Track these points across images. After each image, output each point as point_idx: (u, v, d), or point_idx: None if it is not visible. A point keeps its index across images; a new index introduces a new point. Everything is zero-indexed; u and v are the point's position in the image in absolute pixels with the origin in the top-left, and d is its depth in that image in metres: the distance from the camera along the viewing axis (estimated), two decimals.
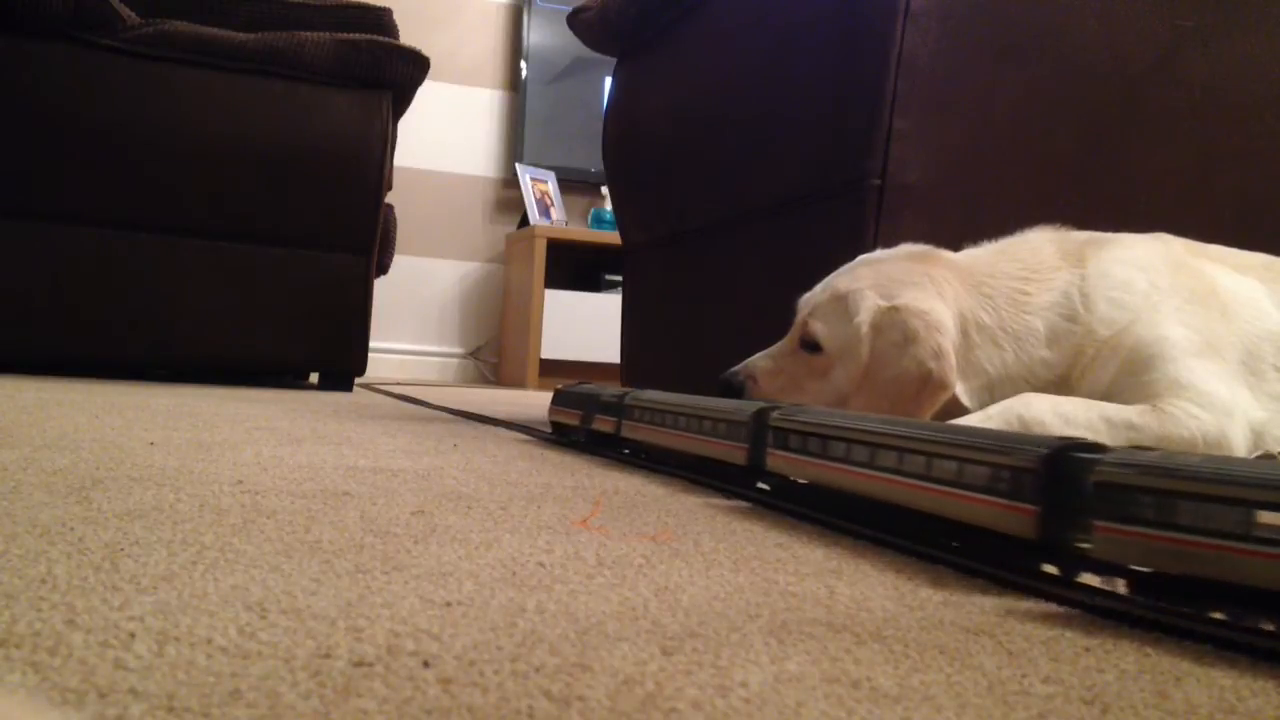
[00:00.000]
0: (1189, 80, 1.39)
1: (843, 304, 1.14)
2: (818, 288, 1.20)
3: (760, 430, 0.81)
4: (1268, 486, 0.43)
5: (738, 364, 1.23)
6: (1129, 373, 1.11)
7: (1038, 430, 1.03)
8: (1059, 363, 1.12)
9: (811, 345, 1.15)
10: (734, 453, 0.85)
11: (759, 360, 1.21)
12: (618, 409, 1.10)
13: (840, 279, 1.17)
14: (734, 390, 1.20)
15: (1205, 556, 0.45)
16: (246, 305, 2.41)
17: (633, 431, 1.06)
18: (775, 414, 0.80)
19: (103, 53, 2.25)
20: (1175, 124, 1.40)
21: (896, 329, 1.09)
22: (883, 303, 1.11)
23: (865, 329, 1.10)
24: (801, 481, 0.77)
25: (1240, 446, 1.08)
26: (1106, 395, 1.11)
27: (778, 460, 0.79)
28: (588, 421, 1.18)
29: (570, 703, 0.33)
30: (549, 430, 1.42)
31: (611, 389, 1.15)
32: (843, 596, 0.52)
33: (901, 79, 1.26)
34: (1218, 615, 0.46)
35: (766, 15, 1.54)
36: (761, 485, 0.83)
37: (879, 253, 1.20)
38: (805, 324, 1.16)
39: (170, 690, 0.32)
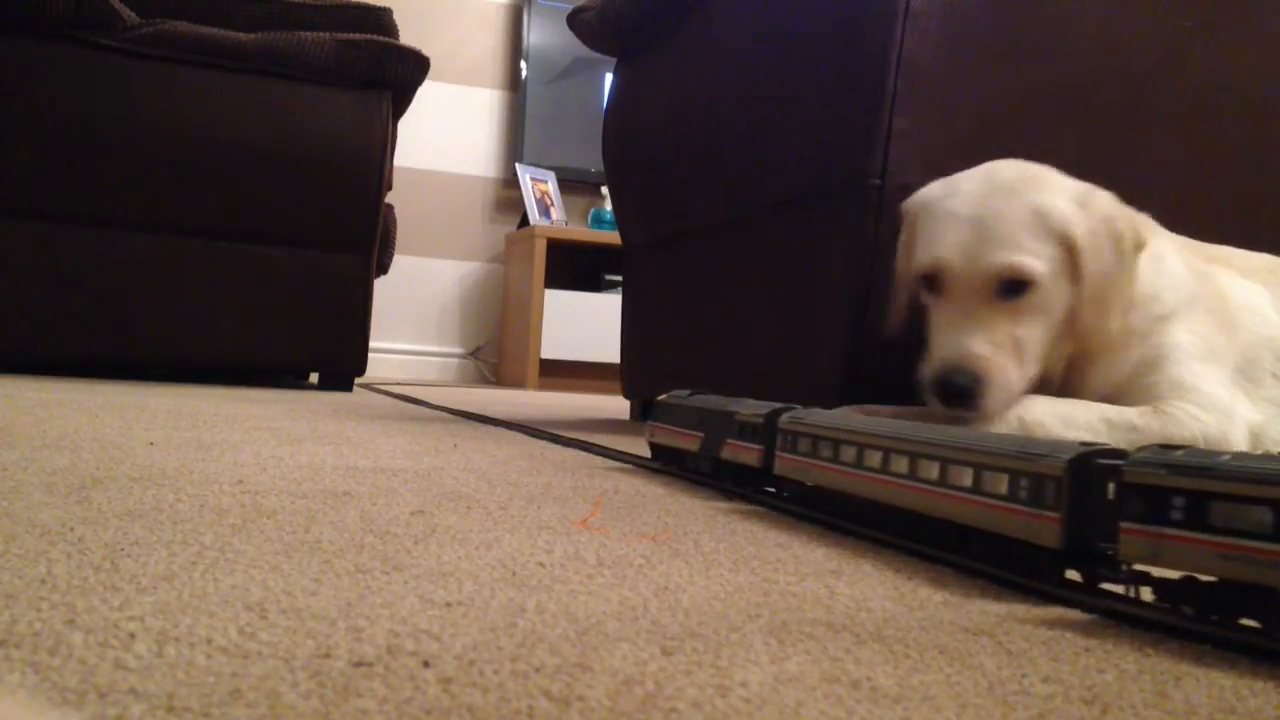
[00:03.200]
0: (1190, 80, 1.39)
1: (1044, 221, 1.03)
2: (972, 223, 1.04)
3: (1089, 487, 0.51)
4: None
5: (941, 362, 1.02)
6: (1135, 374, 1.11)
7: (1038, 433, 1.03)
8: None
9: (1017, 286, 1.02)
10: (1028, 524, 0.53)
11: (973, 344, 1.01)
12: (767, 433, 0.81)
13: (1016, 197, 1.04)
14: (965, 397, 1.01)
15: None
16: (246, 305, 2.41)
17: (796, 470, 0.76)
18: (1133, 461, 0.48)
19: (103, 53, 2.25)
20: (1176, 124, 1.40)
21: (1105, 225, 1.04)
22: (1077, 208, 1.04)
23: (1093, 238, 1.03)
24: (1206, 579, 0.46)
25: (1241, 448, 1.09)
26: (1112, 395, 1.11)
27: (1163, 544, 0.46)
28: (714, 448, 0.89)
29: (570, 703, 0.33)
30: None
31: (750, 403, 0.86)
32: (843, 596, 0.52)
33: (901, 79, 1.26)
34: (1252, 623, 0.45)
35: (767, 15, 1.54)
36: (1072, 577, 0.54)
37: (979, 171, 1.11)
38: (1009, 266, 1.01)
39: (170, 690, 0.32)
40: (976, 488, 0.57)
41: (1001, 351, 1.01)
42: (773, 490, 0.83)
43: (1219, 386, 1.10)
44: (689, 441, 0.94)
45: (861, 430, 0.69)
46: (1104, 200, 1.06)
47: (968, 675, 0.39)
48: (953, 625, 0.47)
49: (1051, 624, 0.48)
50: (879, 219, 1.28)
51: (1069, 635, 0.47)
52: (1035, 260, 1.02)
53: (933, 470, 0.60)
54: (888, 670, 0.39)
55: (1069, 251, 1.04)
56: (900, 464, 0.63)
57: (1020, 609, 0.51)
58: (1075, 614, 0.51)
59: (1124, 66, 1.36)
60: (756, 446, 0.82)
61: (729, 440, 0.87)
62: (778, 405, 0.82)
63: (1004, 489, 0.55)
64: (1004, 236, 1.02)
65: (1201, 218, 1.33)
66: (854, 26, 1.32)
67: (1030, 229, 1.03)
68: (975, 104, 1.31)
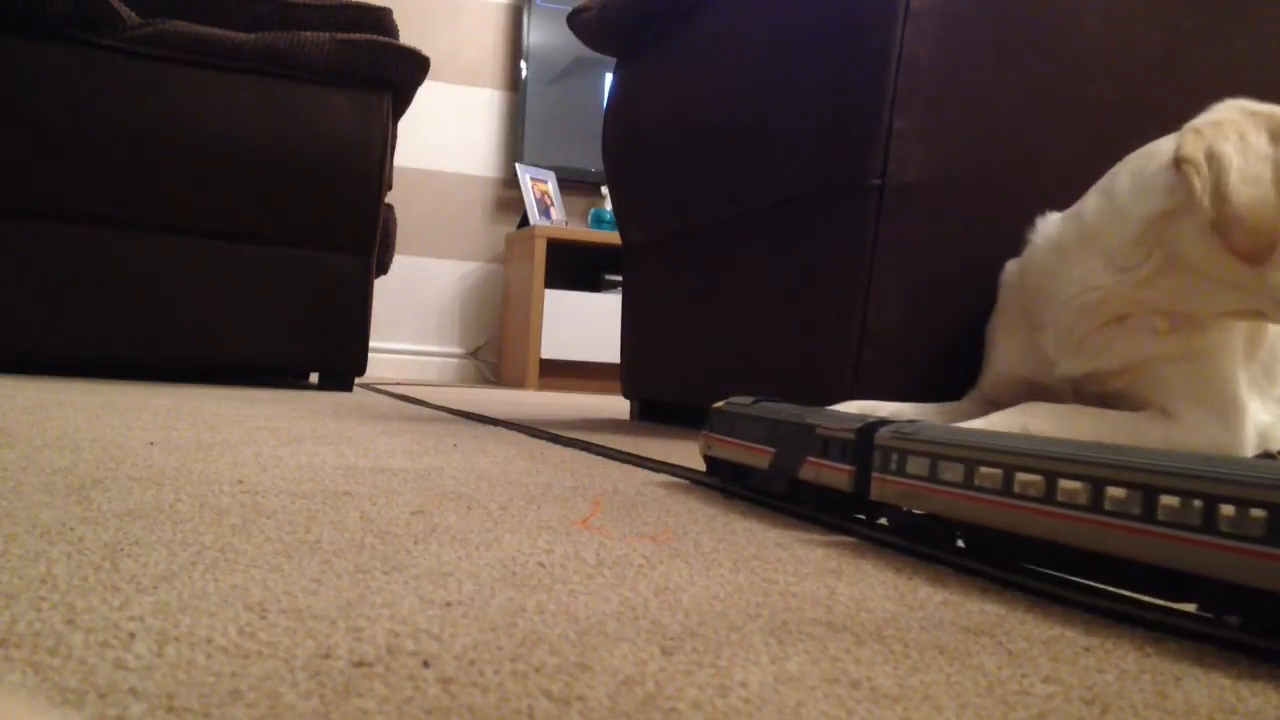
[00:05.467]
0: (1189, 80, 1.39)
1: None
2: None
3: None
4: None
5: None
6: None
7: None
8: None
9: None
10: None
11: None
12: (860, 451, 0.69)
13: None
14: None
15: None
16: (246, 305, 2.41)
17: (903, 495, 0.64)
18: None
19: (103, 53, 2.25)
20: (1175, 124, 1.40)
21: None
22: None
23: None
24: None
25: (1247, 449, 1.09)
26: (1127, 391, 1.12)
27: None
28: (788, 466, 0.77)
29: (570, 703, 0.33)
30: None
31: (833, 413, 0.75)
32: (843, 596, 0.52)
33: (901, 79, 1.26)
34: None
35: (767, 15, 1.54)
36: None
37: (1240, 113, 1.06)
38: None
39: (170, 690, 0.32)
40: (1210, 525, 0.45)
41: None
42: (864, 518, 0.71)
43: (1234, 387, 1.10)
44: (756, 457, 0.81)
45: (1011, 449, 0.56)
46: None
47: (968, 675, 0.39)
48: (953, 625, 0.47)
49: (1051, 624, 0.48)
50: (879, 219, 1.28)
51: (1069, 635, 0.47)
52: None
53: (1132, 501, 0.48)
54: (888, 670, 0.39)
55: None
56: (1075, 491, 0.51)
57: (1020, 609, 0.51)
58: (1076, 614, 0.51)
59: (1124, 66, 1.36)
60: (846, 467, 0.69)
61: (809, 458, 0.74)
62: (870, 417, 0.70)
63: (1260, 529, 0.43)
64: None
65: None
66: (854, 26, 1.32)
67: None
68: (975, 104, 1.31)
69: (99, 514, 0.62)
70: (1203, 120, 1.06)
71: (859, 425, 0.69)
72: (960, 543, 0.62)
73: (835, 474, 0.71)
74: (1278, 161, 1.02)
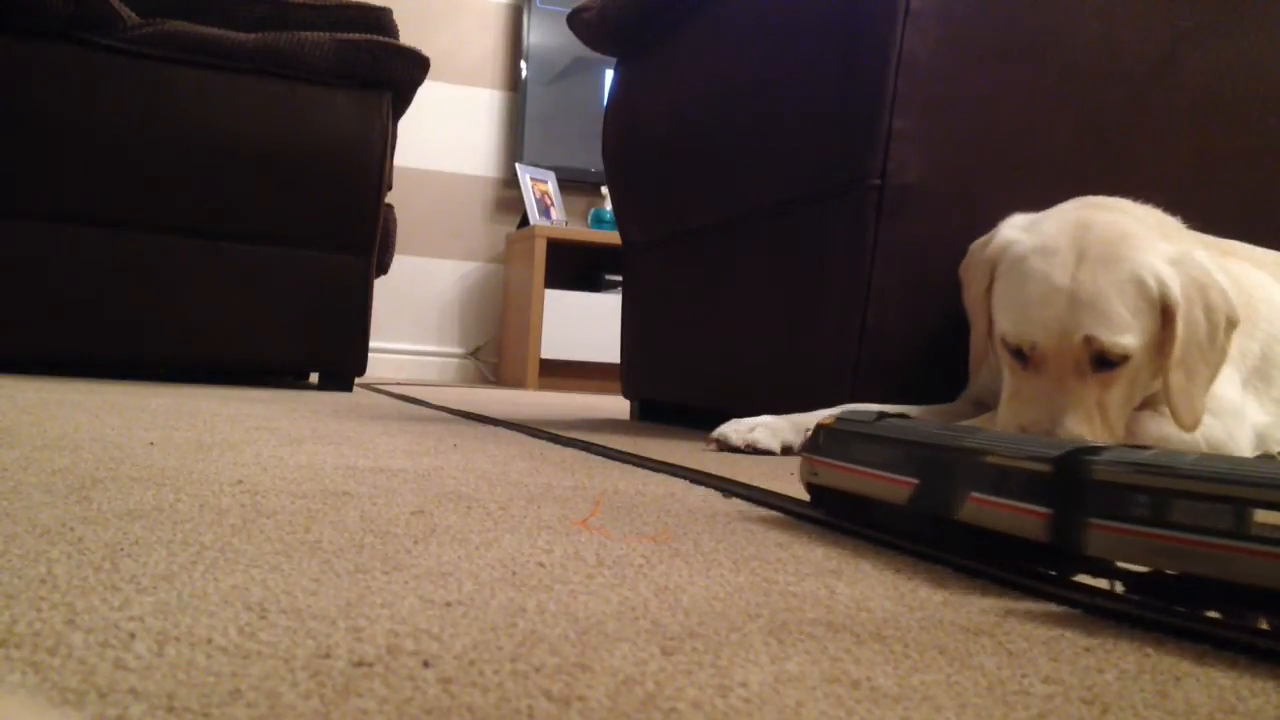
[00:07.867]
0: (1189, 80, 1.39)
1: (1141, 291, 0.99)
2: (1069, 298, 0.99)
3: None
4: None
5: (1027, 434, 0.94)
6: None
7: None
8: None
9: (1111, 361, 0.99)
10: None
11: (1066, 420, 0.98)
12: (1061, 487, 0.51)
13: (1113, 267, 0.99)
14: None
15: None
16: (246, 305, 2.41)
17: (1173, 555, 0.46)
18: None
19: (103, 53, 2.25)
20: (1175, 124, 1.40)
21: (1200, 292, 1.00)
22: (1175, 272, 1.00)
23: (1187, 304, 0.99)
24: None
25: (1245, 449, 1.09)
26: None
27: None
28: (940, 502, 0.59)
29: (570, 703, 0.33)
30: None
31: (1006, 436, 0.58)
32: (843, 596, 0.52)
33: (901, 79, 1.26)
34: (1214, 614, 0.45)
35: (767, 15, 1.54)
36: None
37: (1068, 221, 1.04)
38: (1107, 346, 0.98)
39: (170, 690, 0.32)
40: None
41: (1088, 421, 0.98)
42: (1055, 573, 0.55)
43: (1230, 387, 1.10)
44: (889, 489, 0.64)
45: None
46: (1199, 264, 1.02)
47: (968, 675, 0.39)
48: (953, 625, 0.47)
49: (1051, 624, 0.48)
50: (879, 219, 1.28)
51: (1069, 635, 0.46)
52: (1132, 337, 0.98)
53: None
54: (888, 670, 0.39)
55: (1165, 316, 1.00)
56: None
57: (1020, 609, 0.51)
58: (1076, 614, 0.51)
59: (1124, 66, 1.36)
60: (1040, 509, 0.52)
61: (974, 494, 0.57)
62: (1068, 444, 0.53)
63: None
64: (1102, 313, 0.97)
65: (1200, 217, 1.34)
66: (854, 26, 1.32)
67: (1128, 303, 0.98)
68: (975, 103, 1.31)
69: (99, 514, 0.62)
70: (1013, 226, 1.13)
71: (1056, 453, 0.52)
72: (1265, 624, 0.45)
73: (1021, 518, 0.53)
74: (977, 295, 1.12)
